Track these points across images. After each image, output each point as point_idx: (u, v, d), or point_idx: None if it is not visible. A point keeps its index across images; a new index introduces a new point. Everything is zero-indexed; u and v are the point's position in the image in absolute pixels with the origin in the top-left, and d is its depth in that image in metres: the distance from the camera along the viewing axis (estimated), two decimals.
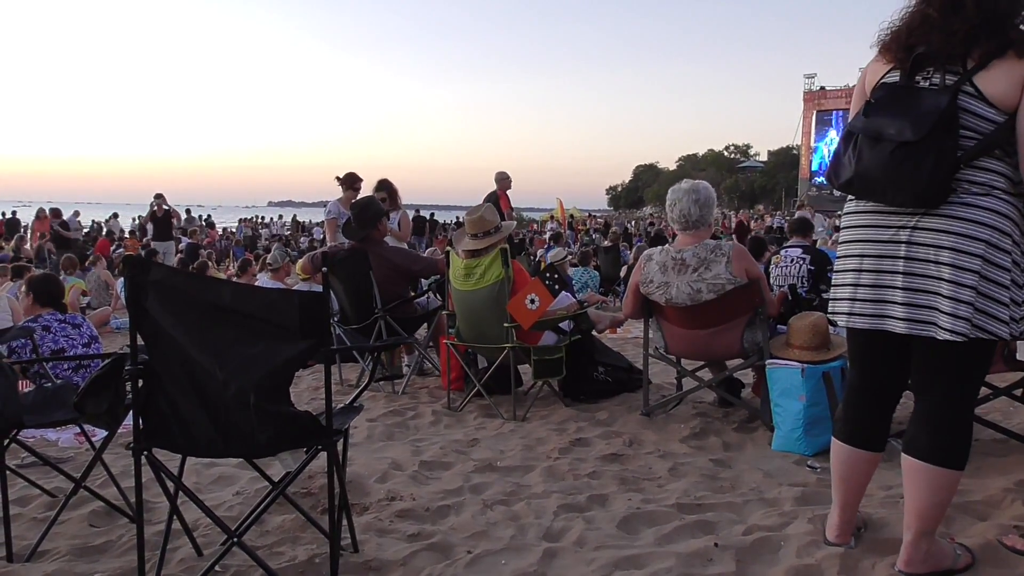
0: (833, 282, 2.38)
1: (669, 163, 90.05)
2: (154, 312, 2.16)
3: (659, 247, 4.19)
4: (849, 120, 2.35)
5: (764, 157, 73.18)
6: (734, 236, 17.72)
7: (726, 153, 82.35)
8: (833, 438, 2.49)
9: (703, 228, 4.00)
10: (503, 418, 4.44)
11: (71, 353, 4.25)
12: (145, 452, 2.22)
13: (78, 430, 3.85)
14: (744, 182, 68.84)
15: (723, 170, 72.50)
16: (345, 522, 2.56)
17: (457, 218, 26.97)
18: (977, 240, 2.07)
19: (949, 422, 2.23)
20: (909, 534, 2.28)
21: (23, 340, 3.94)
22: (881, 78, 2.25)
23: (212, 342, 2.15)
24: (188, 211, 27.62)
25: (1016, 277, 2.11)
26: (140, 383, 2.20)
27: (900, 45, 2.20)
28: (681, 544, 2.63)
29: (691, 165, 79.16)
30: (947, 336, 2.09)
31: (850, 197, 2.33)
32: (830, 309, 2.40)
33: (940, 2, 2.14)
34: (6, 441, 2.69)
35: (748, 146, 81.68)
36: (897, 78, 2.21)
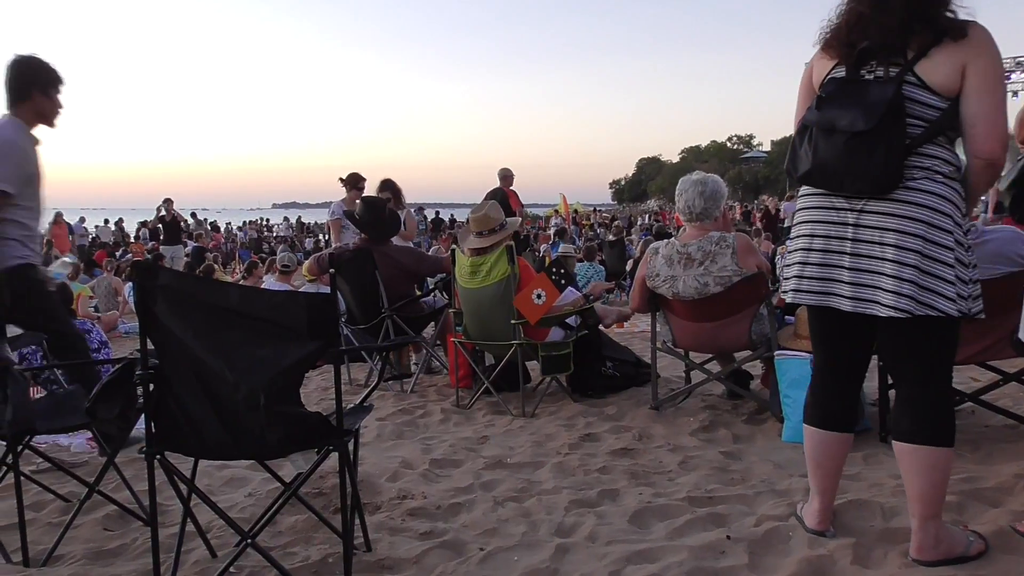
0: (784, 261, 2.49)
1: (672, 155, 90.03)
2: (163, 316, 2.17)
3: (664, 240, 4.19)
4: (799, 115, 2.45)
5: (767, 147, 73.04)
6: (761, 225, 17.73)
7: (729, 144, 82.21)
8: (804, 424, 2.56)
9: (708, 221, 4.00)
10: (512, 415, 4.45)
11: None
12: (157, 456, 2.23)
13: (90, 435, 3.87)
14: (748, 173, 68.69)
15: (726, 161, 72.36)
16: (358, 521, 2.57)
17: (452, 215, 26.96)
18: (917, 221, 2.17)
19: (926, 401, 2.29)
20: (915, 520, 2.31)
21: (34, 347, 3.96)
22: (828, 73, 2.35)
23: (221, 345, 2.16)
24: (193, 215, 27.71)
25: (960, 255, 2.20)
26: (151, 387, 2.21)
27: (841, 41, 2.30)
28: (693, 537, 2.63)
29: (694, 157, 79.07)
30: (889, 313, 2.19)
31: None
32: (781, 287, 2.50)
33: (870, 0, 2.24)
34: (19, 447, 2.71)
35: (751, 136, 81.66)
36: (843, 73, 2.30)
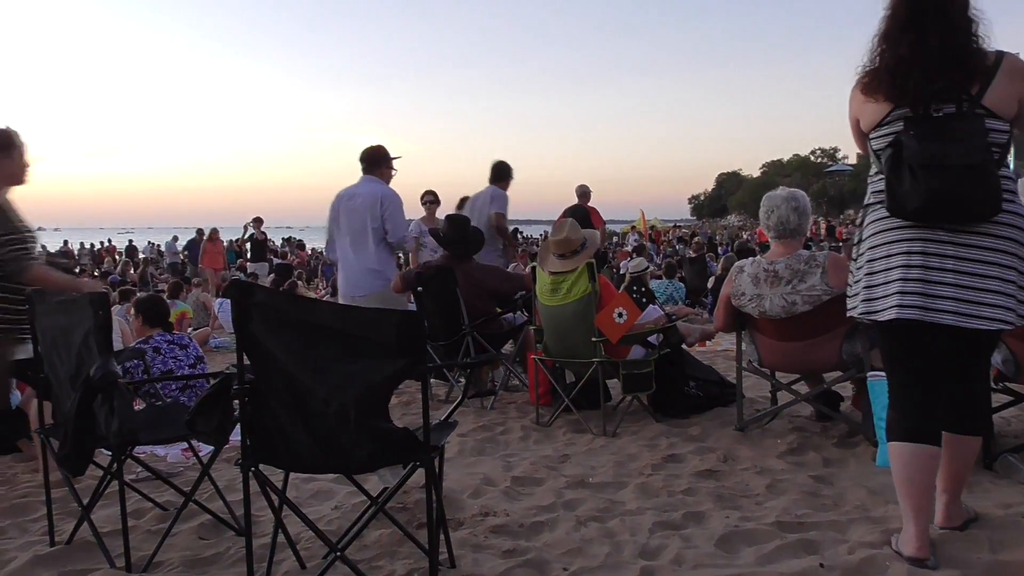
0: (872, 281, 2.55)
1: (753, 170, 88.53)
2: (259, 333, 2.25)
3: (750, 258, 4.10)
4: (860, 143, 2.69)
5: (853, 160, 70.77)
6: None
7: (812, 157, 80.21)
8: (891, 444, 2.57)
9: (798, 238, 3.90)
10: (593, 434, 4.41)
11: (178, 373, 4.45)
12: (252, 468, 2.30)
13: (185, 446, 4.03)
14: (832, 187, 66.76)
15: (809, 175, 70.57)
16: (442, 537, 2.59)
17: (516, 230, 26.90)
18: (1013, 241, 2.39)
19: (985, 397, 2.68)
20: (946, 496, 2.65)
21: (136, 361, 4.15)
22: (888, 114, 2.51)
23: (313, 360, 2.22)
24: (290, 238, 28.45)
25: None
26: (247, 401, 2.28)
27: (889, 85, 2.49)
28: (784, 564, 2.55)
29: (776, 171, 77.51)
30: (997, 325, 2.38)
31: (879, 210, 2.54)
32: (867, 308, 2.55)
33: (909, 43, 2.44)
34: (123, 456, 2.84)
35: (836, 149, 79.34)
36: (908, 112, 2.46)
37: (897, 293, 2.45)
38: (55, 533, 3.04)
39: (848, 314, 2.69)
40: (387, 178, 5.55)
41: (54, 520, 3.08)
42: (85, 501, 2.99)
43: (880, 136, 2.55)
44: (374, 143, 5.73)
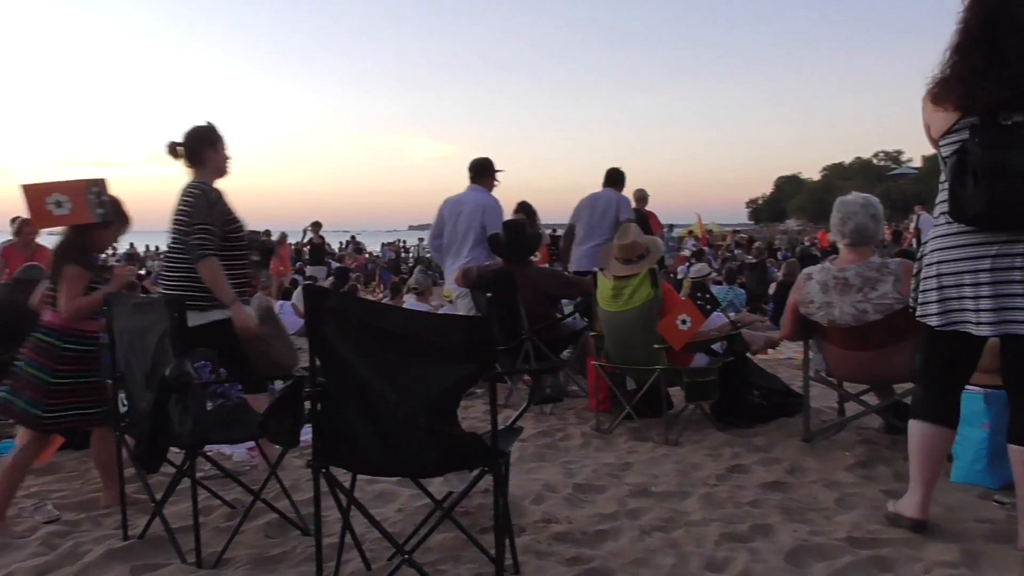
0: (945, 295, 2.60)
1: (813, 173, 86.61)
2: (331, 337, 2.28)
3: (818, 265, 4.00)
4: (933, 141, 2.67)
5: (918, 163, 68.73)
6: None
7: (875, 160, 78.22)
8: (915, 421, 2.77)
9: (870, 245, 3.80)
10: (654, 442, 4.36)
11: None
12: (323, 469, 2.34)
13: (252, 445, 4.11)
14: (895, 191, 64.92)
15: (872, 179, 68.77)
16: (507, 543, 2.58)
17: (554, 230, 26.76)
18: None
19: None
20: None
21: (204, 362, 4.26)
22: (955, 123, 2.54)
23: (384, 365, 2.24)
24: (352, 238, 28.79)
25: None
26: (319, 404, 2.32)
27: (959, 95, 2.52)
28: None
29: (836, 175, 75.73)
30: None
31: (945, 220, 2.58)
32: (944, 320, 2.60)
33: (982, 56, 2.46)
34: (195, 455, 2.91)
35: (899, 152, 77.18)
36: (974, 120, 2.48)
37: (971, 310, 2.51)
38: (127, 528, 3.12)
39: (917, 318, 2.73)
40: (490, 187, 6.12)
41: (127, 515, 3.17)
42: (158, 497, 3.07)
43: (948, 144, 2.59)
44: (482, 155, 6.22)
